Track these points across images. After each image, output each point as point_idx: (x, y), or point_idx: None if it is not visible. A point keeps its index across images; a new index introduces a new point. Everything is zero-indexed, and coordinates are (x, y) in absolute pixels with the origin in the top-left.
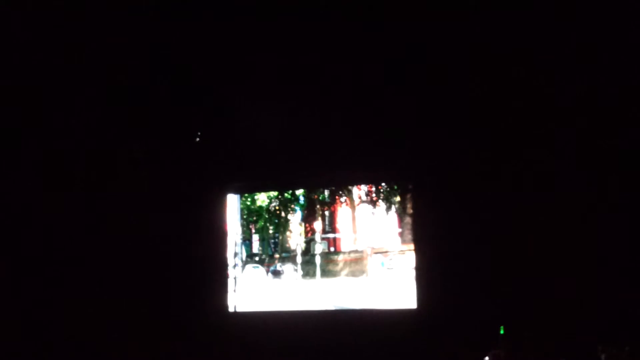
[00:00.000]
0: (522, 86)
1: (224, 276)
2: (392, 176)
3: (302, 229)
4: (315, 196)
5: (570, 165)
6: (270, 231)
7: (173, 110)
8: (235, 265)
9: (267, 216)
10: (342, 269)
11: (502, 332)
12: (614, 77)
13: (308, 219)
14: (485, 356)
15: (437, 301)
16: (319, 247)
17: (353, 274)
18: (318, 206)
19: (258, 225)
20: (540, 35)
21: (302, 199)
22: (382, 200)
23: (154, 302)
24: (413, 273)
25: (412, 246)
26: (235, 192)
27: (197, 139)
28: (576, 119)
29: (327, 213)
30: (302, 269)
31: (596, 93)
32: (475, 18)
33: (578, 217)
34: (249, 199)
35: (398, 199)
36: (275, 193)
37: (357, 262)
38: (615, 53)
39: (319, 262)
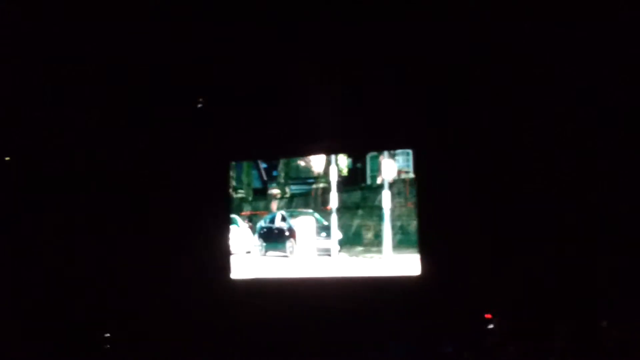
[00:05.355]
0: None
1: (227, 244)
2: (395, 142)
3: None
4: None
5: (571, 138)
6: None
7: (176, 76)
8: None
9: None
10: None
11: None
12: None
13: None
14: (489, 324)
15: (441, 268)
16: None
17: None
18: None
19: None
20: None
21: None
22: None
23: (157, 268)
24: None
25: None
26: (237, 160)
27: (200, 105)
28: (574, 91)
29: None
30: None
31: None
32: None
33: (580, 184)
34: None
35: None
36: None
37: None
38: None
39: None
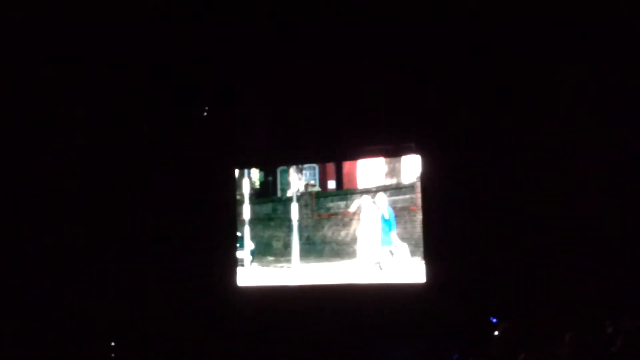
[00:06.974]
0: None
1: (233, 250)
2: (399, 150)
3: None
4: None
5: (573, 138)
6: None
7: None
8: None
9: None
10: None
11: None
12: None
13: None
14: (494, 330)
15: (446, 275)
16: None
17: None
18: None
19: None
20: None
21: None
22: None
23: (164, 276)
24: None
25: None
26: (242, 167)
27: (205, 114)
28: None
29: None
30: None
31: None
32: None
33: (586, 186)
34: None
35: None
36: None
37: None
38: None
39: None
